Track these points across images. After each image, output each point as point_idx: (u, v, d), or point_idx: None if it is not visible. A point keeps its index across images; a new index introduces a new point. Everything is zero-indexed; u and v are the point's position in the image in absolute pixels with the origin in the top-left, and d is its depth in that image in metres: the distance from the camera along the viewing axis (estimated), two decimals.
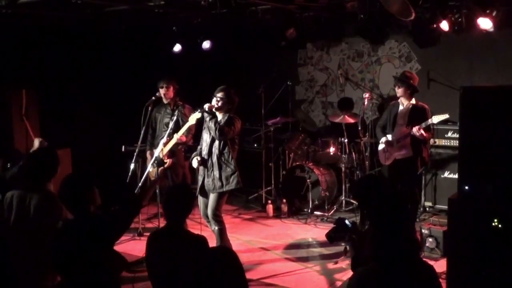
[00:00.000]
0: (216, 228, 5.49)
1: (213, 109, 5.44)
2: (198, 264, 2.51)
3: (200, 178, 5.64)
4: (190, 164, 5.87)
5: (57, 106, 7.30)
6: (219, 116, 5.54)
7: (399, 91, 6.29)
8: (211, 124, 5.36)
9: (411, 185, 6.30)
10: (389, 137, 6.38)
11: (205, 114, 5.43)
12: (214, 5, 6.15)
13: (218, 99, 5.45)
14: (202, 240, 3.57)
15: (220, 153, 5.46)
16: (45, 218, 3.72)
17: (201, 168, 5.63)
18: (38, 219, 3.74)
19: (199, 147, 5.78)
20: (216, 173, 5.45)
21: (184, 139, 6.45)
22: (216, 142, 5.47)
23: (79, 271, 3.02)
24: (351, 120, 7.47)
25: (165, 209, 3.68)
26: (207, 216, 5.56)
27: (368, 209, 2.89)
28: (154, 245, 3.61)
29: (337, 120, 7.58)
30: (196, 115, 5.85)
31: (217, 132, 5.32)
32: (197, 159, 5.59)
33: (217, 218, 5.51)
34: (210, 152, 5.52)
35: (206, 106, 5.41)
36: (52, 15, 6.35)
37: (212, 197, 5.50)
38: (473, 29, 6.12)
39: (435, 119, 6.04)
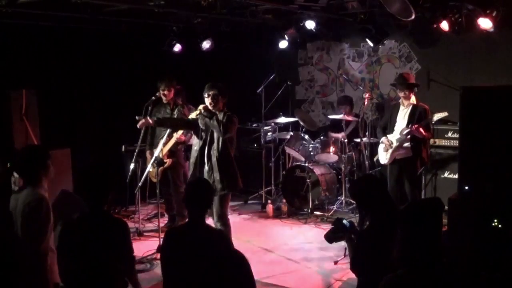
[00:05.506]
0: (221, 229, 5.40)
1: (209, 108, 5.31)
2: (215, 258, 2.45)
3: None
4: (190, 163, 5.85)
5: (57, 106, 7.30)
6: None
7: (407, 93, 6.19)
8: (213, 123, 5.21)
9: (411, 185, 6.30)
10: (390, 137, 6.39)
11: (202, 117, 5.31)
12: (214, 5, 6.16)
13: (210, 97, 5.30)
14: (223, 234, 3.57)
15: (220, 154, 5.29)
16: (25, 219, 3.60)
17: (196, 167, 5.49)
18: (21, 221, 3.63)
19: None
20: (217, 175, 5.28)
21: (183, 138, 6.44)
22: (215, 144, 5.31)
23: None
24: (350, 118, 7.48)
25: (188, 203, 3.56)
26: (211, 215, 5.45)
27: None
28: (175, 241, 3.53)
29: (337, 117, 7.57)
30: (195, 113, 5.85)
31: (221, 129, 5.19)
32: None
33: (223, 220, 5.36)
34: (202, 155, 5.38)
35: (201, 108, 5.29)
36: (52, 15, 6.34)
37: (215, 200, 5.24)
38: (473, 29, 6.12)
39: (435, 116, 6.07)
